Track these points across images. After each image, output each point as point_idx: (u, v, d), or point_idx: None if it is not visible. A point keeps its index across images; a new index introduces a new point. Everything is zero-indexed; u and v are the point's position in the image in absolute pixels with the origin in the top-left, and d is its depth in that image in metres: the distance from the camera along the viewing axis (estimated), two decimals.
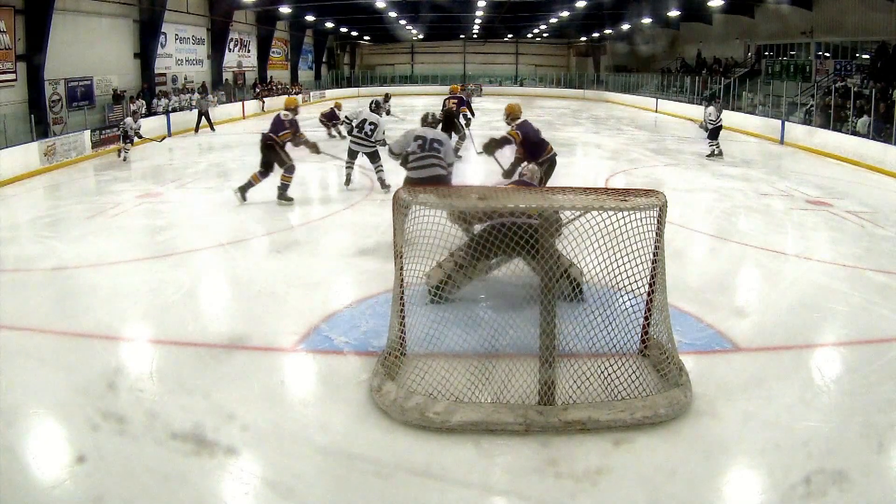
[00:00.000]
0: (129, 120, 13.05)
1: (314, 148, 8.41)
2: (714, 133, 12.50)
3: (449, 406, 3.21)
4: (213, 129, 17.87)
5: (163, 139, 15.25)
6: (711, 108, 12.65)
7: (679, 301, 4.52)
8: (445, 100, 12.08)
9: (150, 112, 16.95)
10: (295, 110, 8.40)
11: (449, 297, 4.39)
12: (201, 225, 7.49)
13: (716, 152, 12.49)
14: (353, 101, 28.41)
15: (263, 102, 23.66)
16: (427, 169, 6.05)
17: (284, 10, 24.57)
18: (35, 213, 8.32)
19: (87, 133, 13.52)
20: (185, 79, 21.28)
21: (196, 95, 19.39)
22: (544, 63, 41.13)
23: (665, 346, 3.66)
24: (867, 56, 18.10)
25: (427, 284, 4.36)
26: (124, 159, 12.62)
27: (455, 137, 11.18)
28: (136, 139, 12.98)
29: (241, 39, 25.70)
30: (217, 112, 18.97)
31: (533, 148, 6.67)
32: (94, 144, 13.64)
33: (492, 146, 6.66)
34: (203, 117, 17.81)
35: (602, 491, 2.80)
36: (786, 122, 15.80)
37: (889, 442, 3.19)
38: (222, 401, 3.47)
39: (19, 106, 13.32)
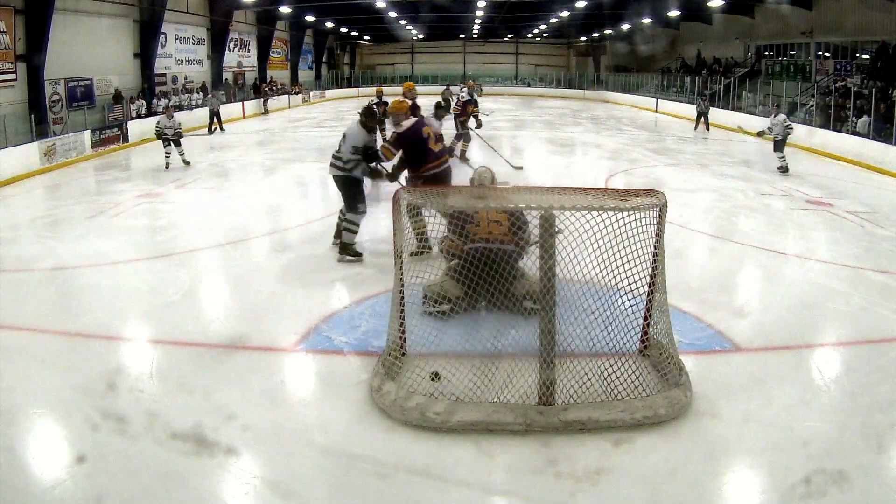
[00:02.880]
0: (162, 119, 11.39)
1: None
2: (781, 144, 11.02)
3: (449, 406, 3.21)
4: (222, 128, 17.87)
5: (213, 130, 14.34)
6: (783, 115, 11.28)
7: (679, 301, 4.51)
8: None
9: (150, 112, 16.96)
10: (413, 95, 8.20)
11: (445, 313, 4.28)
12: (201, 225, 7.48)
13: (782, 166, 11.01)
14: (353, 101, 28.45)
15: (266, 104, 23.62)
16: (329, 167, 5.99)
17: (284, 10, 24.57)
18: (35, 213, 8.32)
19: (87, 133, 13.55)
20: (186, 79, 21.29)
21: (197, 95, 19.36)
22: (544, 63, 41.13)
23: (665, 346, 3.66)
24: (867, 56, 18.09)
25: (426, 291, 4.35)
26: (185, 162, 11.53)
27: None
28: (180, 140, 11.41)
29: (241, 39, 25.71)
30: None
31: (414, 157, 5.73)
32: (94, 144, 13.66)
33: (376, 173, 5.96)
34: (214, 116, 17.79)
35: (602, 491, 2.80)
36: None
37: (889, 442, 3.19)
38: (222, 401, 3.47)
39: (19, 106, 13.33)
